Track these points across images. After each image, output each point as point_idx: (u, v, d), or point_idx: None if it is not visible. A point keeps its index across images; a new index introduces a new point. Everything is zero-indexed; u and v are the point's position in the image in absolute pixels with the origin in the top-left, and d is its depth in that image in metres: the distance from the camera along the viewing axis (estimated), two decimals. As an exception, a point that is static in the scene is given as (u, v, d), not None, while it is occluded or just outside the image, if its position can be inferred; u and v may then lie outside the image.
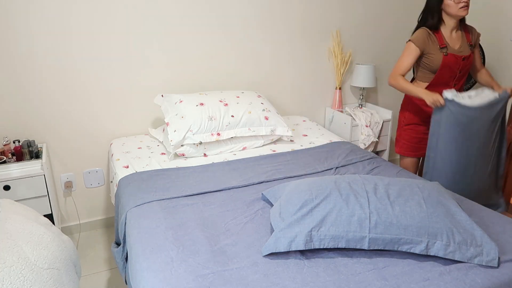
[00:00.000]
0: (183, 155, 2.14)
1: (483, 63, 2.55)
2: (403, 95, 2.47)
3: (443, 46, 1.98)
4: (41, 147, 2.22)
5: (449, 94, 1.89)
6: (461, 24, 2.06)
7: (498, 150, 2.03)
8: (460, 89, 2.12)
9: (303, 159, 2.10)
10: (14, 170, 2.02)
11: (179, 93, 2.51)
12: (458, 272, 1.21)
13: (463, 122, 1.87)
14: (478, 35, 2.09)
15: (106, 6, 2.24)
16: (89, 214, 2.57)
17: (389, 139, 2.96)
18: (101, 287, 2.06)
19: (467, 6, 1.90)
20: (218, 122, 2.18)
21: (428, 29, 1.99)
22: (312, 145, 2.32)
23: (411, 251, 1.27)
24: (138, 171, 1.95)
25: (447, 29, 1.99)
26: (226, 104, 2.27)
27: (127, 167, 2.02)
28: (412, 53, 2.00)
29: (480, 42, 2.58)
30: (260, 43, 2.69)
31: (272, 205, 1.61)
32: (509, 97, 1.93)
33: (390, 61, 3.15)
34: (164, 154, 2.19)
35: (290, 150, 2.24)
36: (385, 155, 3.00)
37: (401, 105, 2.32)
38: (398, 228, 1.27)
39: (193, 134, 2.12)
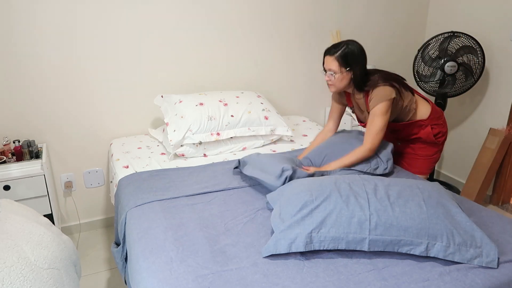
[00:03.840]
0: (183, 155, 2.14)
1: (483, 63, 2.54)
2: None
3: (351, 106, 2.07)
4: (41, 147, 2.22)
5: None
6: (365, 89, 1.88)
7: None
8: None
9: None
10: (14, 170, 2.02)
11: (179, 93, 2.51)
12: (458, 272, 1.21)
13: None
14: (373, 98, 1.83)
15: (108, 7, 2.24)
16: (89, 214, 2.57)
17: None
18: (101, 287, 2.06)
19: (331, 84, 1.88)
20: (217, 122, 2.18)
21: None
22: (312, 145, 2.32)
23: (411, 252, 1.27)
24: (138, 171, 1.95)
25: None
26: (226, 104, 2.27)
27: (127, 167, 2.02)
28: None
29: (481, 42, 2.58)
30: (260, 43, 2.69)
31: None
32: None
33: (390, 62, 3.15)
34: (164, 154, 2.19)
35: (290, 150, 2.24)
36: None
37: None
38: (398, 230, 1.27)
39: (193, 134, 2.12)
